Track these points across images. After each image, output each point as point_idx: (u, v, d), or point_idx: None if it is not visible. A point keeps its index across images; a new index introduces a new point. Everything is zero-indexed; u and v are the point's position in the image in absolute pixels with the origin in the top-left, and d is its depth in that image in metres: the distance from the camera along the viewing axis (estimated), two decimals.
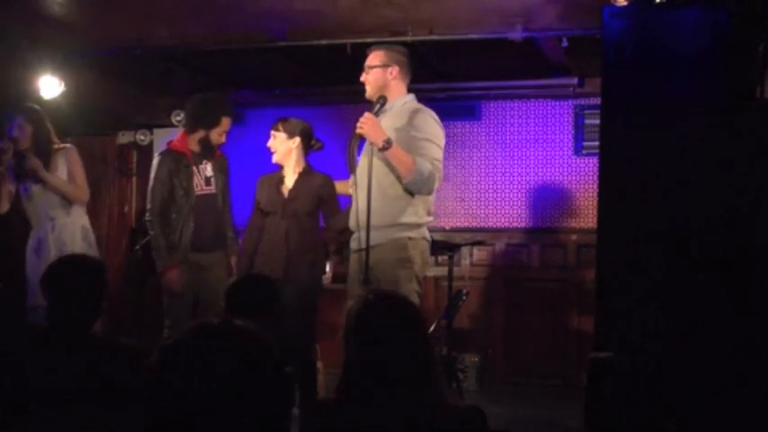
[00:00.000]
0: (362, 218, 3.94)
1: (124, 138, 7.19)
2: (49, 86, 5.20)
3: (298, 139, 4.68)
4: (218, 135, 4.68)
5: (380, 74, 4.08)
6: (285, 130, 4.67)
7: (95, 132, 7.15)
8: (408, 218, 3.97)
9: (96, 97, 6.12)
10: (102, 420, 2.34)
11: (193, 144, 4.68)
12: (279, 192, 4.69)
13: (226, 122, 4.69)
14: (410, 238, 3.96)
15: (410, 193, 3.95)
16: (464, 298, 5.48)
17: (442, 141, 4.01)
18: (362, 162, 4.05)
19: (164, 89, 6.64)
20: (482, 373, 6.12)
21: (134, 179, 7.24)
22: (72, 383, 2.50)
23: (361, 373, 1.96)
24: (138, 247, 6.01)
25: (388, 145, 3.82)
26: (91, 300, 2.82)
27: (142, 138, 7.06)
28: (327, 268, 5.08)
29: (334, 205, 4.79)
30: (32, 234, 4.84)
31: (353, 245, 4.05)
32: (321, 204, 4.71)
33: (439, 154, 3.96)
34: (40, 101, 5.06)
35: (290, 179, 4.72)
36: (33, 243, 4.80)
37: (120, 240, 7.09)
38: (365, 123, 3.86)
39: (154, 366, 1.29)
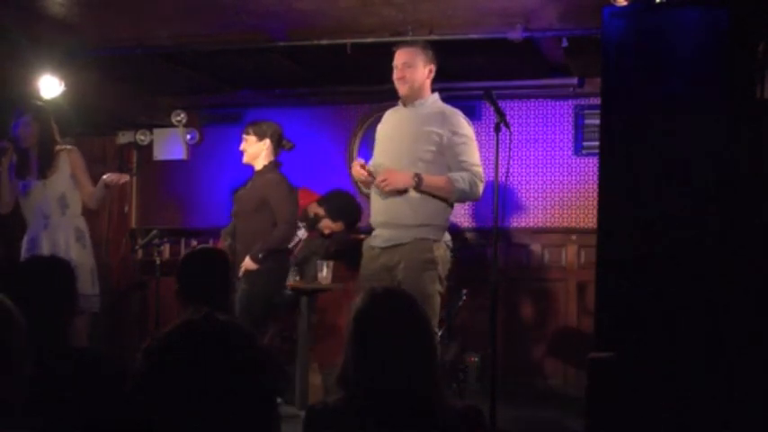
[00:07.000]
0: (385, 217, 3.98)
1: (124, 138, 7.17)
2: (49, 86, 5.19)
3: (267, 141, 4.81)
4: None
5: (420, 73, 4.12)
6: (255, 134, 4.81)
7: (95, 132, 7.14)
8: (436, 220, 4.01)
9: (96, 97, 6.11)
10: None
11: None
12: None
13: None
14: (435, 241, 3.99)
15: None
16: (464, 298, 5.48)
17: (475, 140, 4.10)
18: (387, 158, 4.05)
19: (164, 89, 6.64)
20: (482, 373, 6.11)
21: (134, 179, 7.21)
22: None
23: (362, 369, 1.95)
24: (138, 247, 5.99)
25: (419, 180, 3.88)
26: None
27: (142, 138, 7.04)
28: (325, 271, 5.07)
29: (279, 214, 4.70)
30: (27, 232, 4.80)
31: (375, 242, 4.05)
32: (265, 205, 4.69)
33: (478, 155, 4.06)
34: (39, 101, 5.05)
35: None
36: (27, 241, 4.76)
37: (120, 241, 7.08)
38: (389, 181, 3.88)
39: (141, 366, 1.31)
